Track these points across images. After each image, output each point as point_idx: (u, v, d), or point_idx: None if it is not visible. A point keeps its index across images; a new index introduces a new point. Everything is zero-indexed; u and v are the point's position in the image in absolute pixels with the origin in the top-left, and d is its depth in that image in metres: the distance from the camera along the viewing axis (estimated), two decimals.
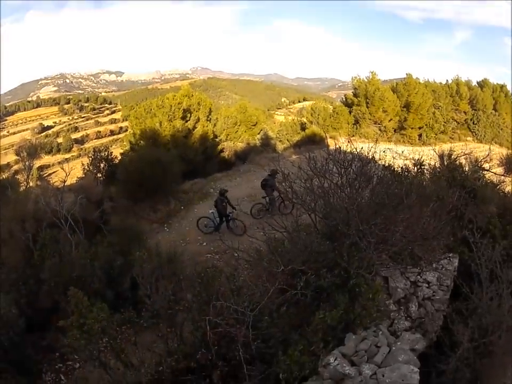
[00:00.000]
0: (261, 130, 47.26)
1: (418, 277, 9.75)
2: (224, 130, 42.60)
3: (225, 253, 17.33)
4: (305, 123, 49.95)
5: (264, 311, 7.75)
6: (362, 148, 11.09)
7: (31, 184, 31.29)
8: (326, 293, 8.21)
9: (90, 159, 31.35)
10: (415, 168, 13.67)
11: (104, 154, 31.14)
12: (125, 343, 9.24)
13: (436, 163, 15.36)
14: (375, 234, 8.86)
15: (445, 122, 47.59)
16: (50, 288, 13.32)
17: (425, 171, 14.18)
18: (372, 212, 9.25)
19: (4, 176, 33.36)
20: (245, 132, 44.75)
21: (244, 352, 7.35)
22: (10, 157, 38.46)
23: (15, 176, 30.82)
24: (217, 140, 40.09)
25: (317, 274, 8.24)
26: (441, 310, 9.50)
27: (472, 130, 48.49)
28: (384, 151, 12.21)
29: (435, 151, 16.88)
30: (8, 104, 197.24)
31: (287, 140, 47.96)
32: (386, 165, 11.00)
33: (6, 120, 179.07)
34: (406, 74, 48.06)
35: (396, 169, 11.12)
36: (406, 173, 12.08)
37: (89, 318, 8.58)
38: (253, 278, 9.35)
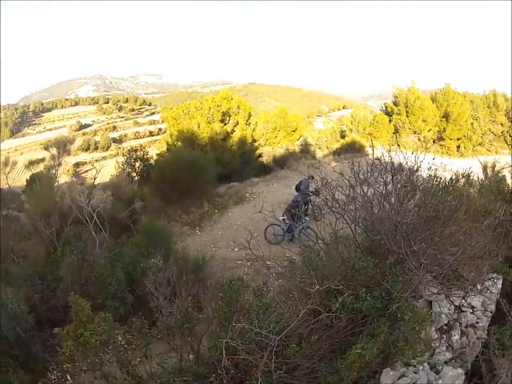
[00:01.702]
0: (300, 136, 46.97)
1: (463, 301, 8.91)
2: (263, 135, 42.41)
3: (257, 260, 16.67)
4: (344, 131, 49.69)
5: (292, 336, 6.94)
6: (407, 157, 10.34)
7: (63, 179, 31.43)
8: (362, 316, 7.40)
9: (126, 157, 31.23)
10: (463, 179, 12.93)
11: (140, 153, 30.96)
12: (134, 353, 8.76)
13: (479, 175, 14.59)
14: (429, 254, 8.04)
15: (482, 134, 46.48)
16: (67, 286, 12.88)
17: (473, 183, 13.41)
18: (420, 226, 8.45)
19: (35, 171, 33.56)
20: (284, 137, 44.64)
21: (264, 381, 6.59)
22: (45, 152, 38.94)
23: (49, 171, 30.90)
24: (255, 144, 39.69)
25: (355, 295, 7.42)
26: (481, 338, 8.67)
27: (509, 143, 47.06)
28: (433, 158, 11.44)
29: (480, 162, 16.09)
30: (45, 101, 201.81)
31: (327, 147, 47.72)
32: (433, 174, 10.19)
33: (42, 116, 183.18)
34: (445, 84, 47.00)
35: (444, 180, 10.33)
36: (455, 184, 11.31)
37: (88, 329, 7.94)
38: (282, 295, 8.63)
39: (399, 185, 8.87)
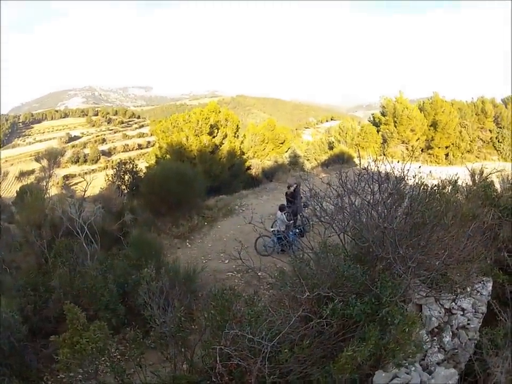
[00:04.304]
0: (289, 148, 47.01)
1: (453, 303, 9.00)
2: (251, 147, 42.41)
3: (247, 272, 16.73)
4: (333, 142, 49.76)
5: (284, 341, 7.00)
6: (394, 166, 10.47)
7: (53, 191, 31.37)
8: (353, 322, 7.47)
9: (115, 170, 31.18)
10: (450, 186, 13.09)
11: (129, 166, 30.91)
12: (128, 363, 8.78)
13: (467, 181, 14.76)
14: (416, 258, 8.15)
15: (471, 141, 46.85)
16: (59, 297, 12.96)
17: (460, 189, 13.57)
18: (407, 232, 8.58)
19: (25, 183, 33.55)
20: (273, 149, 44.54)
21: None
22: (35, 164, 39.16)
23: (38, 183, 30.93)
24: (244, 156, 39.76)
25: (345, 301, 7.51)
26: (473, 339, 8.75)
27: (498, 148, 47.36)
28: (419, 166, 11.67)
29: (468, 169, 16.27)
30: (35, 112, 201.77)
31: (315, 159, 47.72)
32: (420, 182, 10.34)
33: (32, 127, 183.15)
34: (433, 92, 47.35)
35: (430, 187, 10.47)
36: (442, 191, 11.45)
37: (84, 337, 8.00)
38: (274, 303, 8.70)
39: (385, 194, 9.01)
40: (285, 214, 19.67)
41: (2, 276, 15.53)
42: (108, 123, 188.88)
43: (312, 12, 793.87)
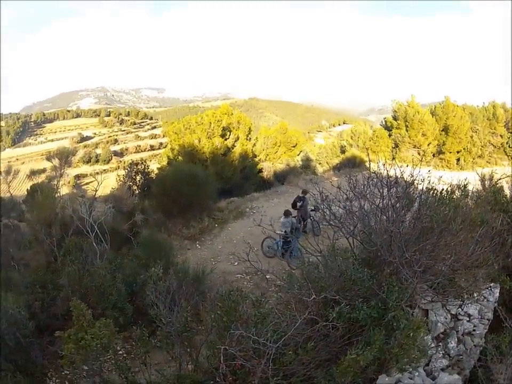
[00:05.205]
0: (301, 152, 46.90)
1: (460, 309, 8.97)
2: (263, 150, 42.49)
3: (256, 274, 16.70)
4: (345, 146, 49.56)
5: (289, 344, 6.99)
6: (403, 170, 10.45)
7: (64, 190, 31.54)
8: (359, 326, 7.46)
9: (127, 171, 31.25)
10: (459, 191, 13.03)
11: (141, 167, 30.98)
12: (133, 361, 8.80)
13: (477, 187, 14.73)
14: (423, 263, 8.13)
15: (482, 146, 46.43)
16: (67, 295, 12.91)
17: (469, 194, 13.51)
18: (415, 237, 8.56)
19: (36, 181, 33.71)
20: (285, 152, 44.55)
21: None
22: (47, 163, 39.52)
23: (49, 182, 31.09)
24: (256, 159, 39.72)
25: (352, 305, 7.50)
26: (479, 345, 8.72)
27: (508, 154, 46.83)
28: (429, 171, 11.62)
29: (478, 174, 16.24)
30: (47, 112, 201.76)
31: (327, 163, 47.55)
32: (429, 187, 10.31)
33: (44, 127, 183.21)
34: (445, 96, 47.00)
35: (439, 192, 10.44)
36: (451, 196, 11.40)
37: (89, 333, 8.03)
38: (280, 306, 8.72)
39: (394, 198, 9.00)
40: (294, 217, 19.69)
41: (10, 272, 15.57)
42: (120, 124, 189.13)
43: (326, 14, 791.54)
